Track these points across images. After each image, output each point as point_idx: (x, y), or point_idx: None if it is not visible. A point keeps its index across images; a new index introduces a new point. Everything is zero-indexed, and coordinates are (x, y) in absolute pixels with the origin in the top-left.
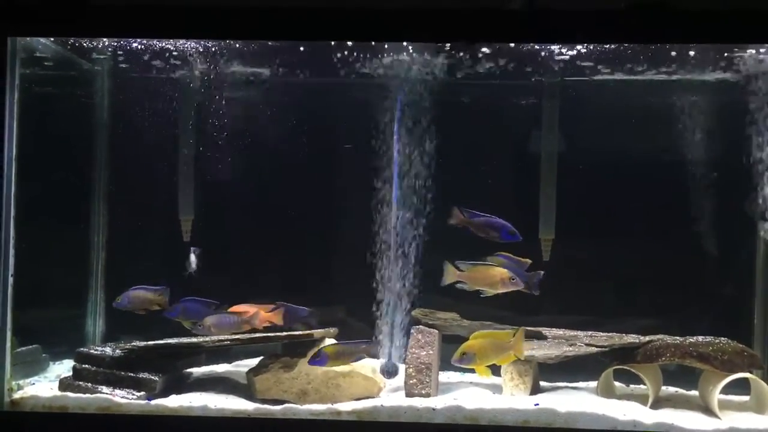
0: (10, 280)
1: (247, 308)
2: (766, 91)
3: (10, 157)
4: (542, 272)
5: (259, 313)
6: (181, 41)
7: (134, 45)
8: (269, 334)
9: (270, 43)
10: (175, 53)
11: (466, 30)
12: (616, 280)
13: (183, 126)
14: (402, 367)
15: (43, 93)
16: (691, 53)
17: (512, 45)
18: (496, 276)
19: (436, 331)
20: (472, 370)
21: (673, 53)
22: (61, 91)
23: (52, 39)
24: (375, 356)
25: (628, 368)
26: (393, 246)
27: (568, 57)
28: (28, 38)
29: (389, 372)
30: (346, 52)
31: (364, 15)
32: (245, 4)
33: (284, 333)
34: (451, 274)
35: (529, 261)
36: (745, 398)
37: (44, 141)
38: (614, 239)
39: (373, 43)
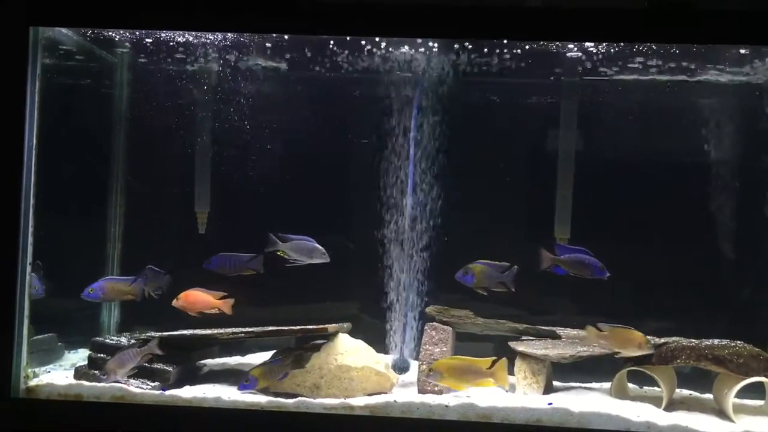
0: (28, 268)
1: (196, 294)
2: None
3: (30, 146)
4: (516, 267)
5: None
6: (200, 33)
7: (153, 36)
8: (283, 328)
9: (287, 36)
10: (193, 46)
11: (485, 27)
12: (632, 282)
13: (200, 119)
14: (413, 364)
15: (63, 83)
16: (713, 54)
17: (531, 43)
18: (634, 340)
19: (450, 329)
20: None
21: (695, 53)
22: (80, 82)
23: (73, 30)
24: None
25: (642, 370)
26: (406, 241)
27: (587, 56)
28: (49, 28)
29: (400, 368)
30: (364, 47)
31: (384, 10)
32: None
33: (298, 327)
34: (592, 336)
35: (506, 264)
36: (760, 402)
37: (63, 131)
38: (630, 240)
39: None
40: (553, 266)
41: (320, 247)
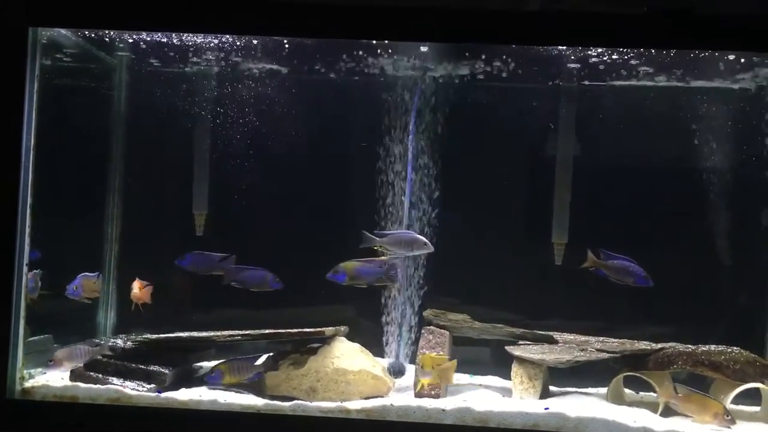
0: (25, 269)
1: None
2: None
3: (28, 146)
4: (396, 262)
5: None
6: (199, 36)
7: (153, 38)
8: (280, 331)
9: (285, 39)
10: (192, 48)
11: (483, 31)
12: (629, 287)
13: (199, 120)
14: (409, 367)
15: (61, 84)
16: (711, 60)
17: (530, 47)
18: (711, 408)
19: (447, 333)
20: (481, 373)
21: (692, 59)
22: (79, 83)
23: (72, 30)
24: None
25: (638, 375)
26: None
27: (585, 60)
28: (49, 29)
29: (396, 372)
30: (361, 50)
31: (380, 13)
32: None
33: (295, 330)
34: (666, 394)
35: (383, 258)
36: (756, 408)
37: (61, 132)
38: (628, 246)
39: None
40: (596, 268)
41: (421, 237)
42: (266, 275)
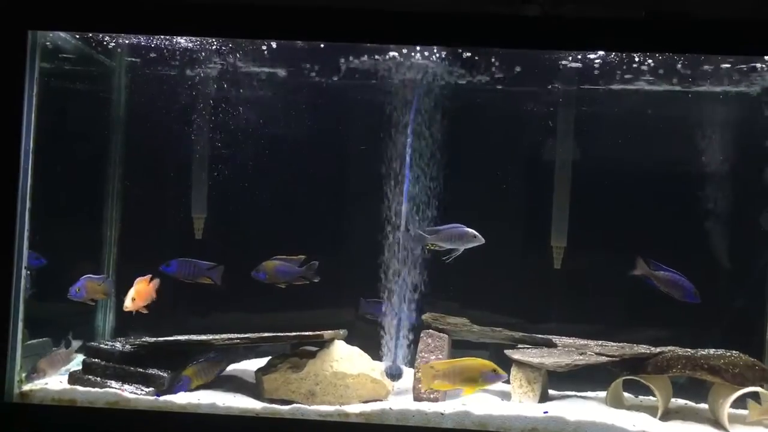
0: (23, 272)
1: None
2: None
3: (27, 149)
4: (316, 262)
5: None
6: (198, 39)
7: (152, 42)
8: (279, 334)
9: (286, 42)
10: (191, 51)
11: (481, 35)
12: (628, 291)
13: (198, 124)
14: (407, 370)
15: (60, 87)
16: (709, 64)
17: (528, 52)
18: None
19: (446, 336)
20: None
21: (690, 64)
22: (78, 86)
23: (70, 33)
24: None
25: (638, 379)
26: (402, 249)
27: (584, 65)
28: (47, 32)
29: (393, 375)
30: (360, 53)
31: (380, 17)
32: (260, 2)
33: (293, 333)
34: (755, 412)
35: (302, 257)
36: None
37: (60, 135)
38: (627, 249)
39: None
40: (645, 277)
41: (471, 230)
42: None
